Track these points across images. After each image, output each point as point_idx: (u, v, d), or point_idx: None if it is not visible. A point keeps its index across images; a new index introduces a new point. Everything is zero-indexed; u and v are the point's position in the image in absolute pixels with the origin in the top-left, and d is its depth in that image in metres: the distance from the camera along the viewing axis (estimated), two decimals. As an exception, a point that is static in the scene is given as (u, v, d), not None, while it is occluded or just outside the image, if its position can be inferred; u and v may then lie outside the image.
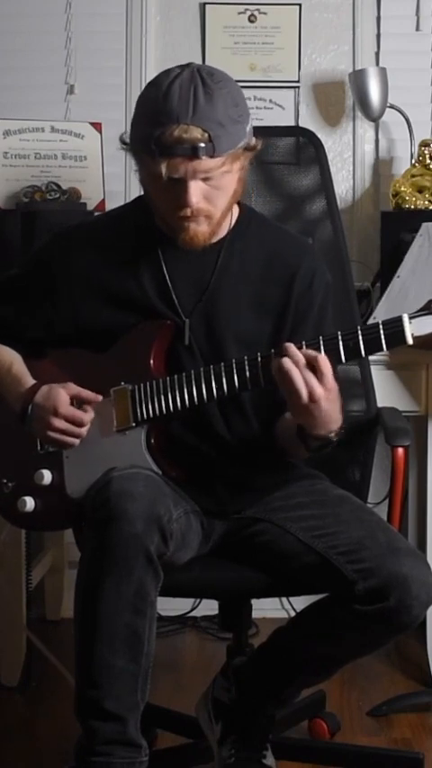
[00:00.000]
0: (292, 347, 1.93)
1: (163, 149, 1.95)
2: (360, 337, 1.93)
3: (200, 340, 2.13)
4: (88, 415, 2.10)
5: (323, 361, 1.92)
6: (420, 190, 3.08)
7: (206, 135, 1.94)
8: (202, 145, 1.95)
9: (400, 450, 2.29)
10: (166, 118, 1.94)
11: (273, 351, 1.98)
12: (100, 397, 2.11)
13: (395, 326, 1.91)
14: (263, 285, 2.15)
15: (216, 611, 2.39)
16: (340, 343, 1.94)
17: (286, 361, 1.92)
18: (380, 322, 1.92)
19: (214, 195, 2.02)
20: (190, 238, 2.05)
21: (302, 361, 1.91)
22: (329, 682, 2.35)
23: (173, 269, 2.13)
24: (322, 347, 1.94)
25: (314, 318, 2.16)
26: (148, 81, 2.05)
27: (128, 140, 2.06)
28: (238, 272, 2.15)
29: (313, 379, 1.91)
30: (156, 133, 1.95)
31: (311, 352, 1.92)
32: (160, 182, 1.99)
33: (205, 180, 1.99)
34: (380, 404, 2.60)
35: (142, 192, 2.13)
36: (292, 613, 2.91)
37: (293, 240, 2.26)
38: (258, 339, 2.11)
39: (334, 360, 1.94)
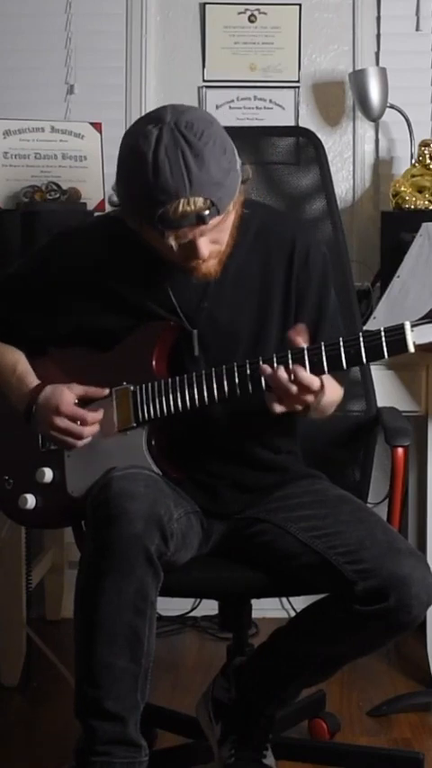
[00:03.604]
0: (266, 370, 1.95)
1: (169, 225, 1.93)
2: (362, 344, 1.93)
3: (206, 345, 2.12)
4: (93, 415, 2.10)
5: (304, 378, 1.93)
6: (420, 190, 3.08)
7: (208, 201, 1.92)
8: (207, 212, 1.92)
9: (400, 450, 2.28)
10: (165, 196, 1.89)
11: (261, 358, 1.98)
12: (106, 391, 2.11)
13: (397, 334, 1.90)
14: (264, 272, 2.15)
15: (216, 611, 2.39)
16: (341, 349, 1.94)
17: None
18: (382, 329, 1.91)
19: (220, 236, 2.02)
20: (203, 275, 2.06)
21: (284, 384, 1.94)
22: (329, 682, 2.35)
23: (173, 278, 2.11)
24: (324, 353, 1.94)
25: (314, 293, 2.16)
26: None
27: (116, 202, 2.01)
28: (237, 268, 2.13)
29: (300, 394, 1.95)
30: (158, 212, 1.91)
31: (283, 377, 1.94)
32: (170, 248, 1.98)
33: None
34: (380, 404, 2.60)
35: None
36: (292, 613, 2.91)
37: (284, 219, 2.26)
38: (266, 331, 2.11)
39: (335, 366, 1.94)
